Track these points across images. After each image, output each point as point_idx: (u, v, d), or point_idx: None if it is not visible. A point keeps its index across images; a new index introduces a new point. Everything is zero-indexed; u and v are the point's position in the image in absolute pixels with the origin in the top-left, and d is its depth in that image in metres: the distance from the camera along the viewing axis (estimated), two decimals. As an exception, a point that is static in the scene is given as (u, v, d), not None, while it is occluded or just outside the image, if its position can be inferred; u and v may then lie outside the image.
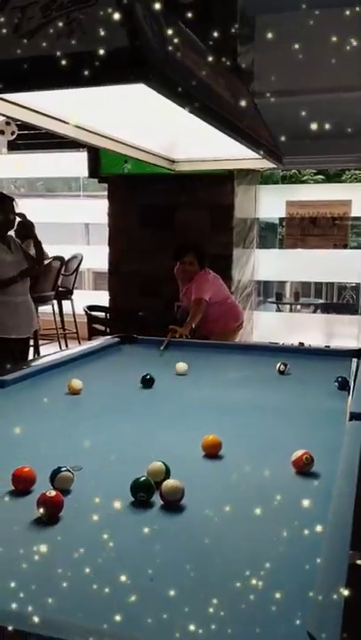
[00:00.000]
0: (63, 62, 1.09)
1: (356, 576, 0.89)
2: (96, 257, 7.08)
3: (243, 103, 2.03)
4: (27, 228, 3.89)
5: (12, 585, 0.94)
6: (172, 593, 0.94)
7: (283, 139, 3.43)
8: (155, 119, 2.10)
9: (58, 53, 1.09)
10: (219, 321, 3.96)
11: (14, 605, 0.85)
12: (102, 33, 1.11)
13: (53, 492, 1.19)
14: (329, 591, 0.85)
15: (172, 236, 5.15)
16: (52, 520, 1.15)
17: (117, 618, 0.86)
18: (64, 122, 1.91)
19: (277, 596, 0.92)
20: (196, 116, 1.57)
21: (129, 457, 1.54)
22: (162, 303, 5.20)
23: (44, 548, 1.06)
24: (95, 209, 7.73)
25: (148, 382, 2.26)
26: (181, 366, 2.49)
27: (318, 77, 3.97)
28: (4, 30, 1.20)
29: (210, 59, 1.80)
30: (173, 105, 1.59)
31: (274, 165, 2.42)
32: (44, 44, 1.15)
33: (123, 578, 0.97)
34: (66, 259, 6.20)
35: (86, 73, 1.09)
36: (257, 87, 4.12)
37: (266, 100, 3.72)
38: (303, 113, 4.12)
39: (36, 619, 0.79)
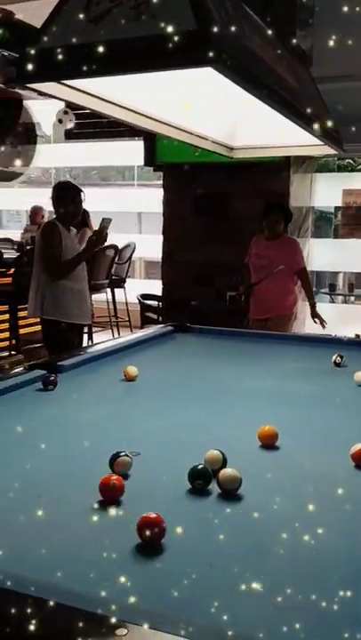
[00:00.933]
0: (131, 47, 1.09)
1: None
2: (148, 246, 7.12)
3: (306, 87, 1.98)
4: (83, 217, 3.97)
5: (73, 571, 0.95)
6: (231, 580, 0.93)
7: (342, 125, 3.34)
8: (215, 105, 2.08)
9: (126, 37, 1.09)
10: (291, 296, 4.20)
11: (78, 588, 0.86)
12: (170, 16, 1.10)
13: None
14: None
15: (226, 225, 5.11)
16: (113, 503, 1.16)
17: (181, 604, 0.86)
18: (125, 108, 1.91)
19: (340, 591, 0.90)
20: (262, 100, 1.54)
21: (185, 444, 1.54)
22: (214, 292, 5.19)
23: (102, 530, 1.07)
24: (148, 198, 7.77)
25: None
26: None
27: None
28: (73, 16, 1.20)
29: (273, 42, 1.76)
30: (235, 90, 1.56)
31: (334, 152, 2.36)
32: (112, 29, 1.15)
33: (182, 563, 0.98)
34: (119, 247, 6.26)
35: (155, 57, 1.08)
36: (316, 72, 4.02)
37: (324, 84, 3.62)
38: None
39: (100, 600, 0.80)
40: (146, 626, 0.75)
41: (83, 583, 0.88)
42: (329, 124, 2.18)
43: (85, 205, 3.86)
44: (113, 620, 0.75)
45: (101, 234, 3.52)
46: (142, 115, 1.95)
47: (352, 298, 7.85)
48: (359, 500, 1.25)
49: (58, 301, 3.54)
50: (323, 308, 6.77)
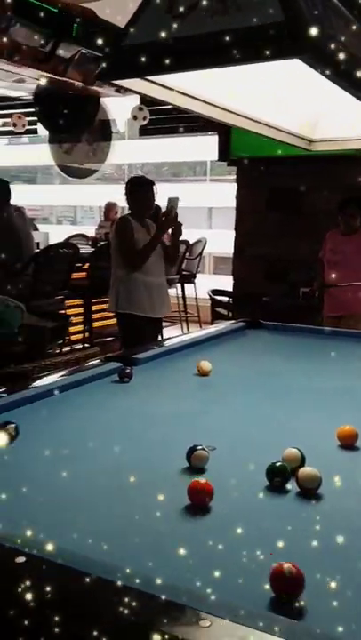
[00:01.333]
0: (218, 40, 1.08)
1: None
2: (217, 241, 7.11)
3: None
4: (156, 212, 4.00)
5: (156, 560, 0.97)
6: (310, 580, 0.92)
7: None
8: (296, 97, 2.04)
9: (213, 31, 1.09)
10: None
11: (162, 578, 0.87)
12: (257, 8, 1.08)
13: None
14: None
15: (301, 220, 5.02)
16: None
17: (260, 599, 0.85)
18: (204, 101, 1.91)
19: None
20: (348, 91, 1.49)
21: (261, 441, 1.53)
22: (287, 288, 5.10)
23: (181, 522, 1.08)
24: (219, 193, 7.75)
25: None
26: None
27: None
28: (158, 11, 1.21)
29: (358, 30, 1.70)
30: (317, 81, 1.53)
31: None
32: (199, 23, 1.15)
33: (264, 562, 0.97)
34: (190, 242, 6.29)
35: (242, 50, 1.07)
36: None
37: None
38: None
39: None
40: (227, 619, 0.75)
41: (165, 573, 0.89)
42: None
43: (157, 201, 3.90)
44: (196, 611, 0.75)
45: (170, 214, 3.53)
46: (223, 109, 1.94)
47: None
48: None
49: (131, 295, 3.61)
50: None
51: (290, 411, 1.82)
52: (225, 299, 5.48)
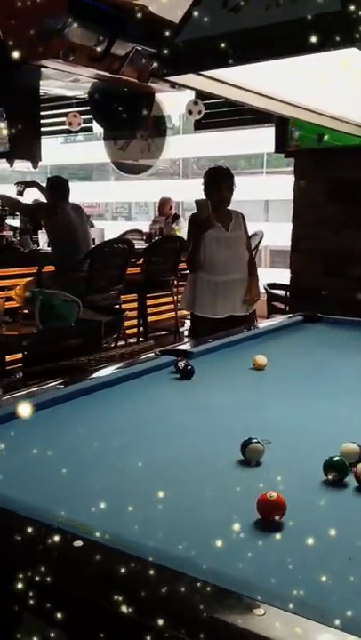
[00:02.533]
0: (274, 33, 1.08)
1: None
2: (274, 234, 7.02)
3: None
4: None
5: (207, 549, 0.98)
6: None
7: None
8: (352, 85, 1.99)
9: (269, 23, 1.08)
10: None
11: (213, 566, 0.89)
12: (312, -2, 1.07)
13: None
14: None
15: (360, 212, 4.89)
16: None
17: (322, 592, 0.85)
18: (258, 93, 1.90)
19: None
20: None
21: (318, 435, 1.51)
22: (347, 283, 4.99)
23: (235, 512, 1.09)
24: (276, 185, 7.66)
25: (184, 373, 1.98)
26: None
27: None
28: (212, 5, 1.21)
29: None
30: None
31: None
32: (253, 16, 1.14)
33: (319, 555, 0.97)
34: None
35: (299, 41, 1.06)
36: None
37: None
38: None
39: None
40: (282, 608, 0.75)
41: (217, 562, 0.90)
42: None
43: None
44: (251, 599, 0.76)
45: (195, 218, 3.53)
46: (278, 100, 1.93)
47: None
48: None
49: (192, 294, 3.62)
50: None
51: (348, 405, 1.79)
52: (282, 292, 5.42)
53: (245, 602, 0.76)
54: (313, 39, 1.07)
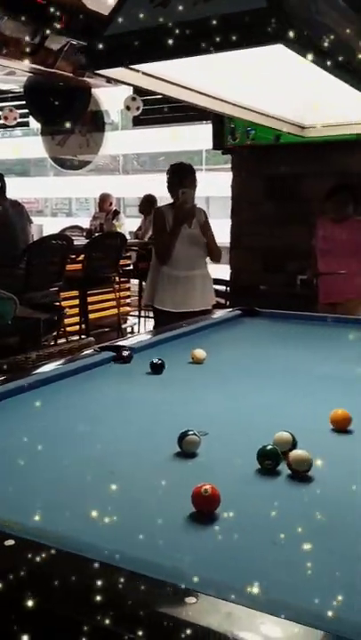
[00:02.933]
0: (201, 28, 1.08)
1: None
2: (216, 230, 7.08)
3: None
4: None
5: (142, 540, 0.99)
6: (296, 559, 0.93)
7: None
8: (286, 83, 2.04)
9: (195, 19, 1.09)
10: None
11: (147, 557, 0.89)
12: (240, -7, 1.08)
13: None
14: None
15: (298, 208, 5.01)
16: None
17: (251, 576, 0.87)
18: (193, 90, 1.91)
19: None
20: (335, 75, 1.49)
21: (254, 426, 1.54)
22: (285, 277, 5.11)
23: (170, 504, 1.10)
24: (216, 182, 7.73)
25: (156, 368, 2.02)
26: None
27: None
28: (141, 0, 1.21)
29: (349, 16, 1.70)
30: (306, 67, 1.53)
31: None
32: (182, 10, 1.15)
33: (250, 540, 0.99)
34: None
35: (225, 37, 1.07)
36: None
37: None
38: None
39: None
40: (214, 595, 0.77)
41: (151, 553, 0.91)
42: None
43: (153, 191, 3.90)
44: (182, 588, 0.77)
45: (181, 208, 3.53)
46: (212, 97, 1.94)
47: None
48: None
49: (153, 288, 3.64)
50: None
51: (284, 396, 1.83)
52: (222, 288, 5.48)
53: (177, 591, 0.77)
54: (240, 35, 1.08)
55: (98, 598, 0.75)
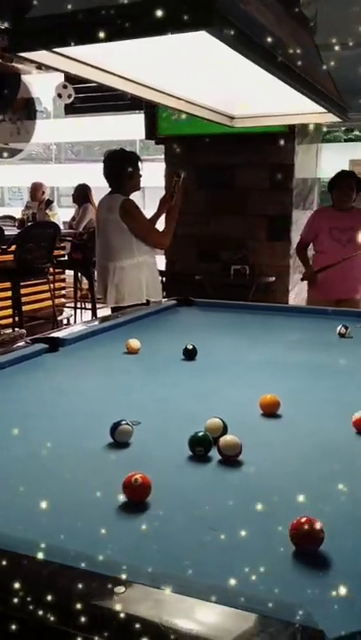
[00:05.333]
0: (124, 12, 1.07)
1: None
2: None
3: (308, 53, 1.95)
4: (85, 192, 3.94)
5: (71, 532, 0.97)
6: (230, 541, 0.95)
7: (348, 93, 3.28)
8: (213, 72, 2.05)
9: (118, 3, 1.07)
10: None
11: (76, 548, 0.88)
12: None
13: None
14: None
15: (230, 198, 5.07)
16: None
17: (183, 563, 0.88)
18: (122, 77, 1.89)
19: (338, 547, 0.91)
20: (260, 65, 1.51)
21: (187, 414, 1.55)
22: (219, 266, 5.17)
23: (110, 498, 1.09)
24: (152, 172, 7.69)
25: (190, 354, 2.09)
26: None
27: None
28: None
29: (274, 7, 1.72)
30: (234, 56, 1.53)
31: (338, 119, 2.32)
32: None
33: (183, 527, 1.00)
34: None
35: (148, 22, 1.06)
36: (321, 39, 3.94)
37: (330, 52, 3.56)
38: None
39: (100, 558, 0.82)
40: (142, 583, 0.76)
41: (81, 544, 0.90)
42: (331, 90, 2.14)
43: (88, 181, 3.82)
44: (110, 577, 0.76)
45: (170, 191, 3.49)
46: (139, 84, 1.93)
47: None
48: (354, 459, 1.26)
49: (156, 281, 3.62)
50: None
51: (218, 384, 1.86)
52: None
53: (105, 581, 0.76)
54: (161, 21, 1.07)
55: (25, 590, 0.73)
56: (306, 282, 4.07)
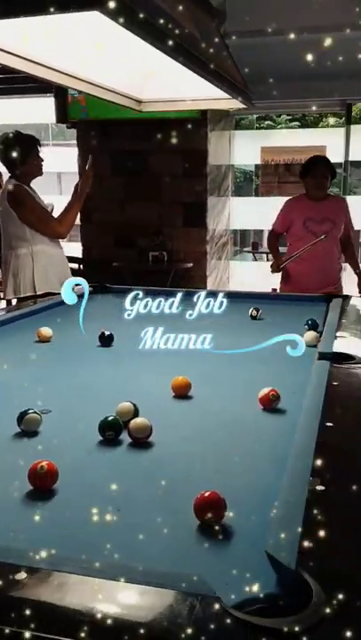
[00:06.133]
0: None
1: (315, 499, 0.92)
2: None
3: (209, 39, 1.97)
4: None
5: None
6: (137, 521, 0.96)
7: (257, 81, 3.35)
8: (121, 56, 2.02)
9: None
10: (338, 266, 3.59)
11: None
12: None
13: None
14: (289, 515, 0.88)
15: (145, 184, 5.06)
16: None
17: (90, 546, 0.88)
18: (25, 59, 1.83)
19: (244, 522, 0.95)
20: (159, 49, 1.51)
21: (99, 399, 1.55)
22: (136, 253, 5.16)
23: (15, 487, 1.07)
24: (69, 157, 7.53)
25: (106, 340, 2.12)
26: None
27: (291, 18, 3.84)
28: None
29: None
30: (134, 38, 1.52)
31: (244, 106, 2.36)
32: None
33: (94, 510, 1.00)
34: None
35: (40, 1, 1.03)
36: (229, 27, 3.99)
37: (238, 40, 3.61)
38: (277, 54, 4.01)
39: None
40: (44, 568, 0.76)
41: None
42: (236, 77, 2.18)
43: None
44: (12, 565, 0.75)
45: (90, 171, 3.35)
46: (43, 65, 1.87)
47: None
48: (266, 440, 1.31)
49: (55, 270, 3.35)
50: (246, 266, 6.94)
51: (131, 369, 1.86)
52: (75, 265, 5.40)
53: (8, 569, 0.76)
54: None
55: None
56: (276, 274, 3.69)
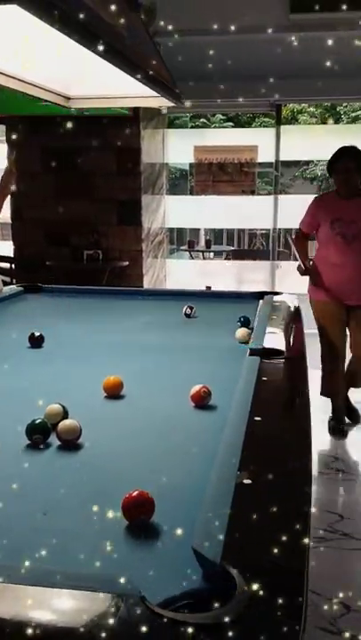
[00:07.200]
0: None
1: (241, 493, 0.93)
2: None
3: (138, 37, 1.96)
4: None
5: None
6: (68, 525, 0.95)
7: (187, 80, 3.37)
8: (48, 51, 1.98)
9: None
10: None
11: None
12: None
13: None
14: (216, 508, 0.89)
15: (77, 181, 4.98)
16: None
17: (16, 552, 0.86)
18: None
19: (174, 519, 0.95)
20: (82, 44, 1.49)
21: (29, 402, 1.51)
22: (70, 251, 5.08)
23: None
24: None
25: (36, 341, 2.07)
26: None
27: (222, 17, 3.88)
28: None
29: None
30: (57, 33, 1.49)
31: (173, 104, 2.37)
32: None
33: (17, 516, 0.97)
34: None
35: None
36: (159, 25, 3.99)
37: (168, 38, 3.62)
38: (208, 53, 4.05)
39: None
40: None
41: None
42: (164, 75, 2.17)
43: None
44: None
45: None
46: None
47: (211, 254, 8.11)
48: (197, 437, 1.32)
49: None
50: (182, 265, 6.97)
51: (63, 369, 1.83)
52: (6, 265, 5.26)
53: None
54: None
55: None
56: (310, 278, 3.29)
